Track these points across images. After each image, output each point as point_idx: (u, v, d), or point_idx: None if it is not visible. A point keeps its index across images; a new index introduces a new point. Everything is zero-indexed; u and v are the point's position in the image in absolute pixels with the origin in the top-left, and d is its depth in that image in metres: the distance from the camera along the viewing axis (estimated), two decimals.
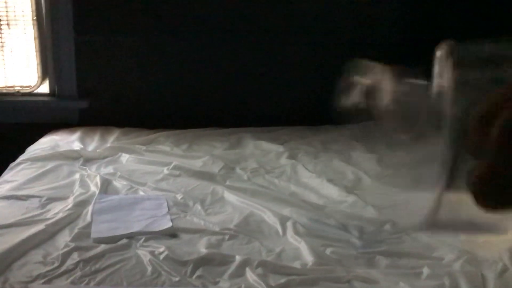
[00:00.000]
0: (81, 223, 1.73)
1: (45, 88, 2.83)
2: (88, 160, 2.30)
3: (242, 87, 2.89)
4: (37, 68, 2.80)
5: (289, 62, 2.89)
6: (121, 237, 1.65)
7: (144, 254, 1.55)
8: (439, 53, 0.59)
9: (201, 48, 2.80)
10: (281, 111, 2.95)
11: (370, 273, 1.50)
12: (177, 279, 1.45)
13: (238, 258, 1.54)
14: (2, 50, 2.78)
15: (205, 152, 2.46)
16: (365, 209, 1.91)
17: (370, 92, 0.69)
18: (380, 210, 1.91)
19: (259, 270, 1.49)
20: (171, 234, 1.69)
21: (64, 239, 1.63)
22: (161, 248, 1.58)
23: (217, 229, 1.73)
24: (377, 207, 1.92)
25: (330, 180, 2.17)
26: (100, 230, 1.69)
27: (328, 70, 2.93)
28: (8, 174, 2.12)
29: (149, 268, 1.49)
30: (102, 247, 1.59)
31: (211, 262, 1.53)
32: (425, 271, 1.51)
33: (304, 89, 2.94)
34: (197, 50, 2.81)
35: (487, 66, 0.56)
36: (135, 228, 1.71)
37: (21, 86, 2.82)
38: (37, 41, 2.75)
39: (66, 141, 2.52)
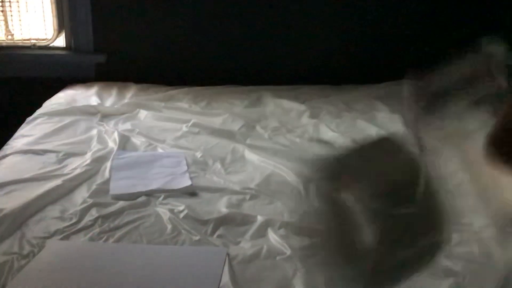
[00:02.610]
0: (99, 179, 1.70)
1: (61, 41, 2.76)
2: (105, 116, 2.25)
3: (263, 43, 2.80)
4: (53, 21, 2.72)
5: (311, 19, 2.77)
6: (140, 194, 1.61)
7: (163, 212, 1.51)
8: None
9: (222, 4, 2.70)
10: (302, 69, 2.86)
11: None
12: (197, 238, 1.41)
13: (259, 218, 1.50)
14: (18, 2, 2.70)
15: (224, 110, 2.39)
16: None
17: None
18: None
19: (282, 231, 1.44)
20: (191, 192, 1.65)
21: (82, 195, 1.60)
22: (180, 206, 1.54)
23: (237, 188, 1.68)
24: None
25: (353, 140, 2.09)
26: (118, 186, 1.65)
27: (350, 28, 2.82)
28: (24, 129, 2.08)
29: (169, 226, 1.45)
30: (121, 204, 1.55)
31: (232, 222, 1.49)
32: (454, 237, 1.45)
33: (325, 46, 2.84)
34: (218, 6, 2.70)
35: None
36: (154, 185, 1.66)
37: (37, 39, 2.76)
38: None
39: (83, 96, 2.47)
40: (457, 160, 1.01)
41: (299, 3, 2.74)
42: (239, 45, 2.78)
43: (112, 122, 2.19)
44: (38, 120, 2.16)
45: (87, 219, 1.48)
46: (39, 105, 2.34)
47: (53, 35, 2.75)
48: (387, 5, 2.79)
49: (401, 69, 3.16)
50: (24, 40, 2.75)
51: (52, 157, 1.84)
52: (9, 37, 2.76)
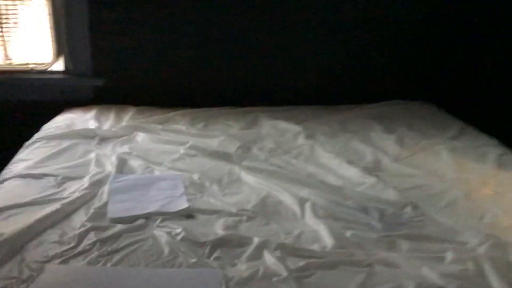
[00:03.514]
0: (97, 203, 1.71)
1: (59, 65, 2.80)
2: (103, 139, 2.27)
3: (258, 66, 2.84)
4: (52, 45, 2.76)
5: (306, 41, 2.82)
6: (137, 217, 1.63)
7: (161, 234, 1.53)
8: None
9: (218, 26, 2.75)
10: (298, 90, 2.90)
11: (391, 257, 1.47)
12: (194, 260, 1.43)
13: (256, 240, 1.52)
14: (16, 27, 2.75)
15: (221, 132, 2.42)
16: (385, 191, 1.87)
17: None
18: (401, 192, 1.86)
19: (278, 253, 1.46)
20: (188, 214, 1.67)
21: (80, 219, 1.61)
22: (178, 228, 1.56)
23: (234, 210, 1.70)
24: (397, 189, 1.88)
25: (349, 161, 2.12)
26: (116, 210, 1.67)
27: (344, 49, 2.87)
28: (23, 153, 2.10)
29: (166, 249, 1.46)
30: (119, 227, 1.57)
31: (229, 244, 1.51)
32: (449, 255, 1.47)
33: (321, 68, 2.88)
34: (214, 28, 2.75)
35: None
36: (152, 208, 1.68)
37: (35, 64, 2.80)
38: (51, 17, 2.71)
39: (81, 119, 2.49)
40: None
41: (294, 26, 2.79)
42: (235, 67, 2.83)
43: (110, 145, 2.21)
44: (37, 144, 2.18)
45: (86, 243, 1.49)
46: (37, 129, 2.37)
47: (51, 59, 2.79)
48: (381, 28, 2.84)
49: (395, 90, 3.23)
50: (23, 64, 2.79)
51: (50, 181, 1.85)
52: (8, 61, 2.80)
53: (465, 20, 2.79)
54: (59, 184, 1.83)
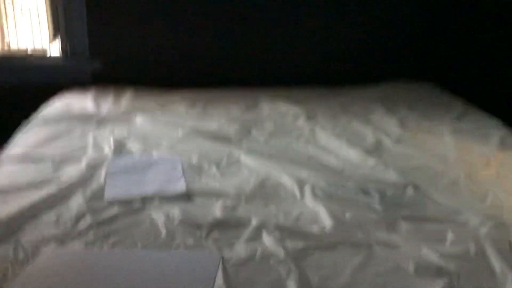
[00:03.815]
0: (94, 185, 1.70)
1: (57, 48, 2.77)
2: (101, 121, 2.26)
3: (258, 46, 2.81)
4: (49, 28, 2.74)
5: (306, 21, 2.78)
6: (134, 198, 1.61)
7: (158, 216, 1.52)
8: None
9: (217, 6, 2.71)
10: (298, 71, 2.87)
11: (391, 237, 1.45)
12: (191, 242, 1.41)
13: (254, 221, 1.50)
14: (13, 13, 2.72)
15: (220, 114, 2.40)
16: (386, 172, 1.85)
17: None
18: (402, 173, 1.84)
19: (276, 234, 1.44)
20: (186, 197, 1.65)
21: (77, 201, 1.60)
22: (175, 211, 1.54)
23: (232, 192, 1.69)
24: (398, 170, 1.86)
25: (349, 143, 2.10)
26: (113, 192, 1.65)
27: (345, 29, 2.83)
28: (20, 136, 2.09)
29: (164, 231, 1.45)
30: (116, 209, 1.55)
31: (227, 225, 1.49)
32: (449, 236, 1.45)
33: (321, 49, 2.85)
34: (213, 10, 2.71)
35: None
36: (149, 190, 1.67)
37: (33, 49, 2.77)
38: (48, 1, 2.67)
39: (79, 101, 2.47)
40: None
41: (294, 7, 2.75)
42: (234, 48, 2.79)
43: (108, 128, 2.20)
44: (34, 127, 2.16)
45: (82, 225, 1.48)
46: (35, 112, 2.35)
47: (48, 42, 2.76)
48: (382, 8, 2.80)
49: (396, 71, 3.20)
50: (21, 49, 2.77)
51: (48, 163, 1.84)
52: (6, 47, 2.77)
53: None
54: (56, 167, 1.82)
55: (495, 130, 2.23)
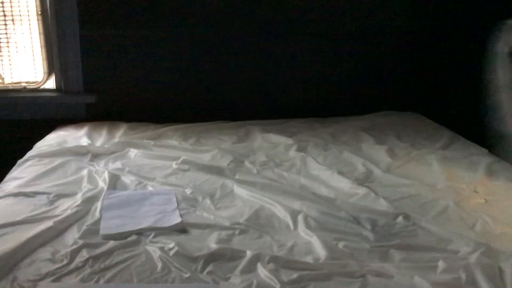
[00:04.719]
0: (89, 220, 1.71)
1: (51, 83, 2.81)
2: (96, 156, 2.28)
3: (249, 80, 2.86)
4: (43, 64, 2.78)
5: (296, 53, 2.85)
6: (130, 233, 1.63)
7: (153, 250, 1.53)
8: None
9: (208, 42, 2.77)
10: (289, 103, 2.92)
11: (384, 267, 1.47)
12: (187, 275, 1.43)
13: (249, 253, 1.52)
14: (8, 46, 2.76)
15: (213, 146, 2.43)
16: (377, 202, 1.88)
17: None
18: (392, 202, 1.88)
19: (271, 265, 1.46)
20: (181, 229, 1.67)
21: (72, 236, 1.61)
22: (170, 244, 1.56)
23: (227, 223, 1.71)
24: (389, 199, 1.89)
25: (340, 172, 2.14)
26: (109, 226, 1.67)
27: (335, 65, 2.90)
28: (15, 171, 2.10)
29: (159, 265, 1.46)
30: (111, 243, 1.56)
31: (222, 258, 1.51)
32: (441, 264, 1.48)
33: (311, 80, 2.91)
34: (204, 44, 2.77)
35: None
36: (144, 224, 1.68)
37: (27, 82, 2.81)
38: (42, 36, 2.73)
39: (73, 136, 2.50)
40: None
41: (283, 40, 2.82)
42: (226, 82, 2.85)
43: (102, 162, 2.22)
44: (29, 162, 2.18)
45: (78, 260, 1.48)
46: (30, 147, 2.37)
47: (43, 78, 2.80)
48: (370, 41, 2.88)
49: (384, 103, 3.25)
50: (15, 83, 2.80)
51: (43, 198, 1.85)
52: (0, 81, 2.80)
53: (452, 33, 2.82)
54: (52, 202, 1.83)
55: (482, 157, 2.28)
